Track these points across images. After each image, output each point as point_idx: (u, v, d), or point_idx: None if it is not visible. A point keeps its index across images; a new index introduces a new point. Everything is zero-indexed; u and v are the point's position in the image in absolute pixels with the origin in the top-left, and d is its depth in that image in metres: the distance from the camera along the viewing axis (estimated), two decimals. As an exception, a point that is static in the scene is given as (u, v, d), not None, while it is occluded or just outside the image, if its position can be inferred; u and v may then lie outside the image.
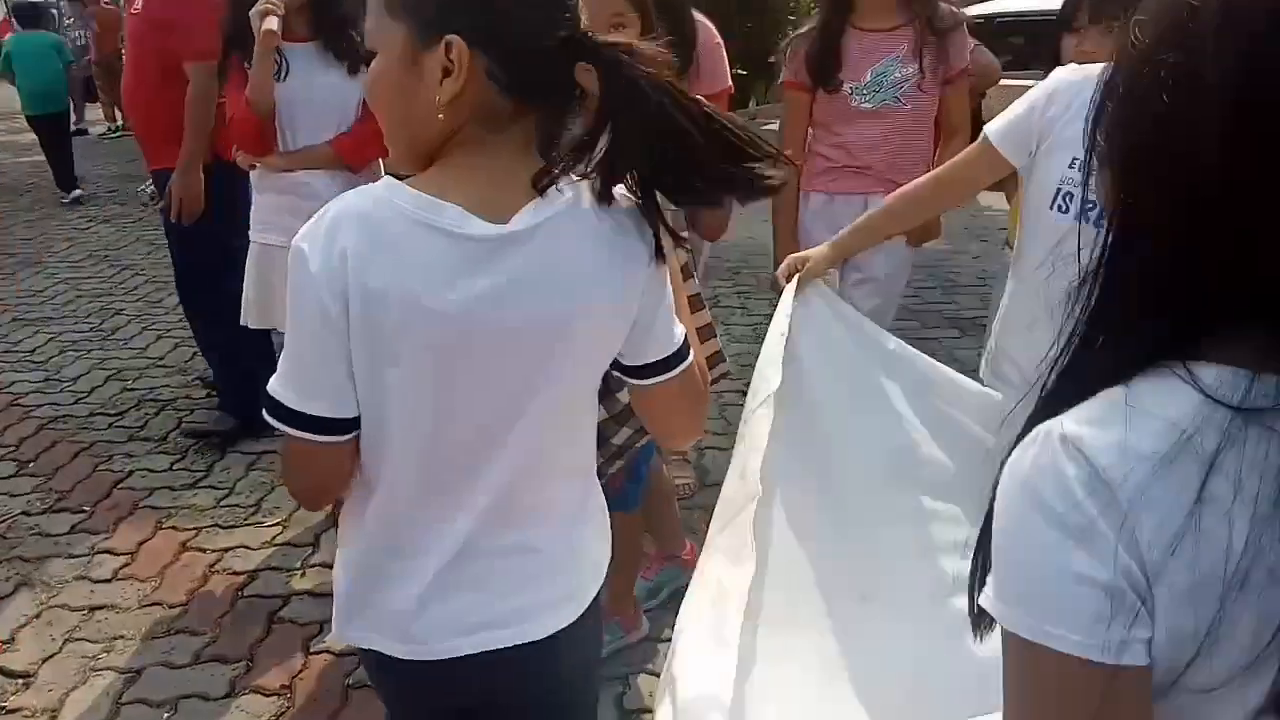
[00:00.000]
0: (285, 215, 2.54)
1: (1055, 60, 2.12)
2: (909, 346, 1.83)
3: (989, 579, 0.63)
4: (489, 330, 0.95)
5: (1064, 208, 1.61)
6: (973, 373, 2.34)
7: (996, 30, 6.01)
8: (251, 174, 2.67)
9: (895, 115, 2.45)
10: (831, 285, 1.82)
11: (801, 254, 1.86)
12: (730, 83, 2.57)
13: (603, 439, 1.77)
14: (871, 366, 1.77)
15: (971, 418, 1.73)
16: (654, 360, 1.08)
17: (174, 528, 2.91)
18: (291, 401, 0.95)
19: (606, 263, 0.99)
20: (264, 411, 0.97)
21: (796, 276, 1.80)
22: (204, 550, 2.79)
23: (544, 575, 1.09)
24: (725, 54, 2.55)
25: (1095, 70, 1.67)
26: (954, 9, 2.45)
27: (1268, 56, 0.53)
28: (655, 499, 2.34)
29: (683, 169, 0.96)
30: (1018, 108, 1.69)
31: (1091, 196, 1.54)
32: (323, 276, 0.90)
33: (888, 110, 2.45)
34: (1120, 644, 0.58)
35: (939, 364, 1.82)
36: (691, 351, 1.11)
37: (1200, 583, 0.57)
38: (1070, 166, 1.60)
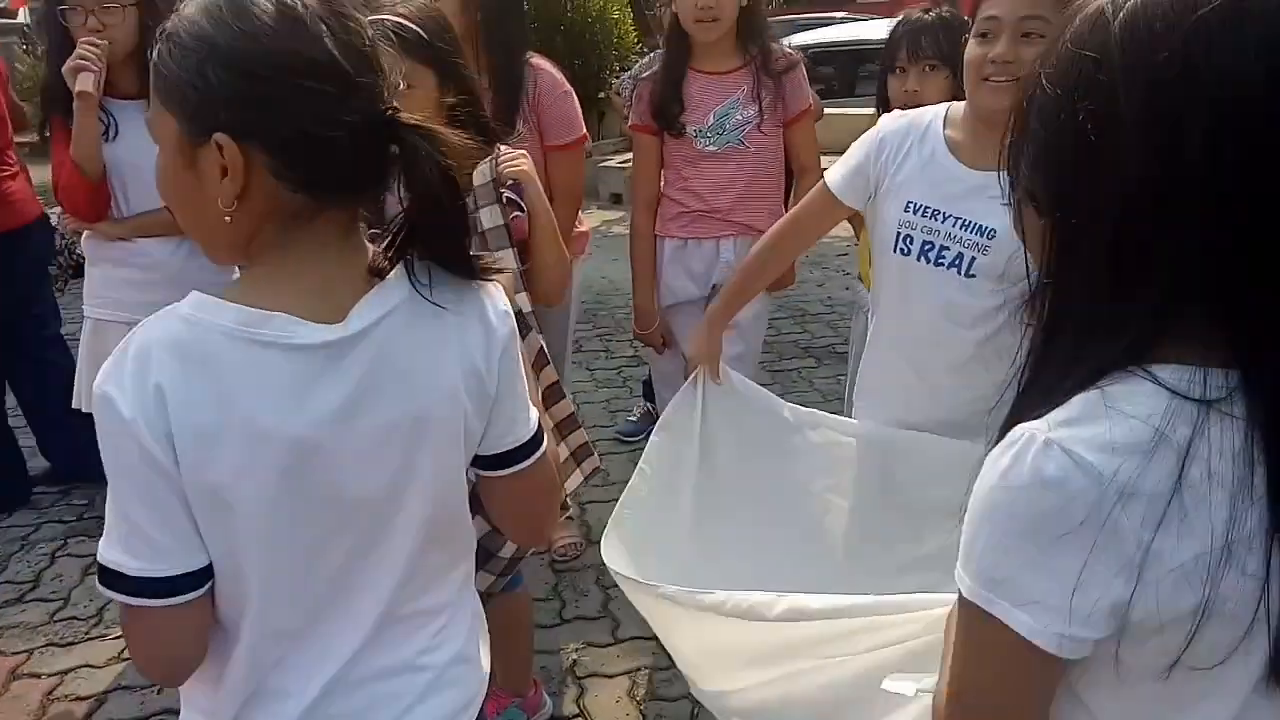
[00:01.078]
0: (122, 288, 2.38)
1: (883, 98, 2.20)
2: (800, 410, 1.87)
3: (961, 559, 0.70)
4: (344, 445, 0.87)
5: (906, 250, 1.68)
6: (834, 401, 2.37)
7: (810, 61, 6.28)
8: (84, 243, 2.49)
9: (740, 157, 2.49)
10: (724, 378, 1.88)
11: (698, 351, 1.87)
12: (583, 131, 2.54)
13: (488, 554, 1.68)
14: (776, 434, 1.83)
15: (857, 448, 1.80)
16: (508, 449, 1.02)
17: (0, 652, 2.61)
18: (131, 568, 0.82)
19: (456, 351, 0.93)
20: (99, 584, 0.85)
21: (700, 371, 1.84)
22: (39, 675, 2.50)
23: (432, 693, 1.00)
24: (574, 100, 2.51)
25: (915, 115, 1.78)
26: (788, 51, 2.51)
27: (1166, 87, 0.63)
28: (512, 627, 2.02)
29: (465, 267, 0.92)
30: (853, 156, 1.76)
31: (930, 237, 1.63)
32: (139, 422, 0.79)
33: (732, 152, 2.49)
34: (1075, 641, 0.66)
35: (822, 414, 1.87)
36: (546, 439, 1.05)
37: (1190, 562, 0.63)
38: (905, 210, 1.67)
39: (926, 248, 1.65)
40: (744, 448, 1.80)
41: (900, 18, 2.26)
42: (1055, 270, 0.71)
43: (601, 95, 9.33)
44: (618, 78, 8.94)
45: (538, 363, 1.70)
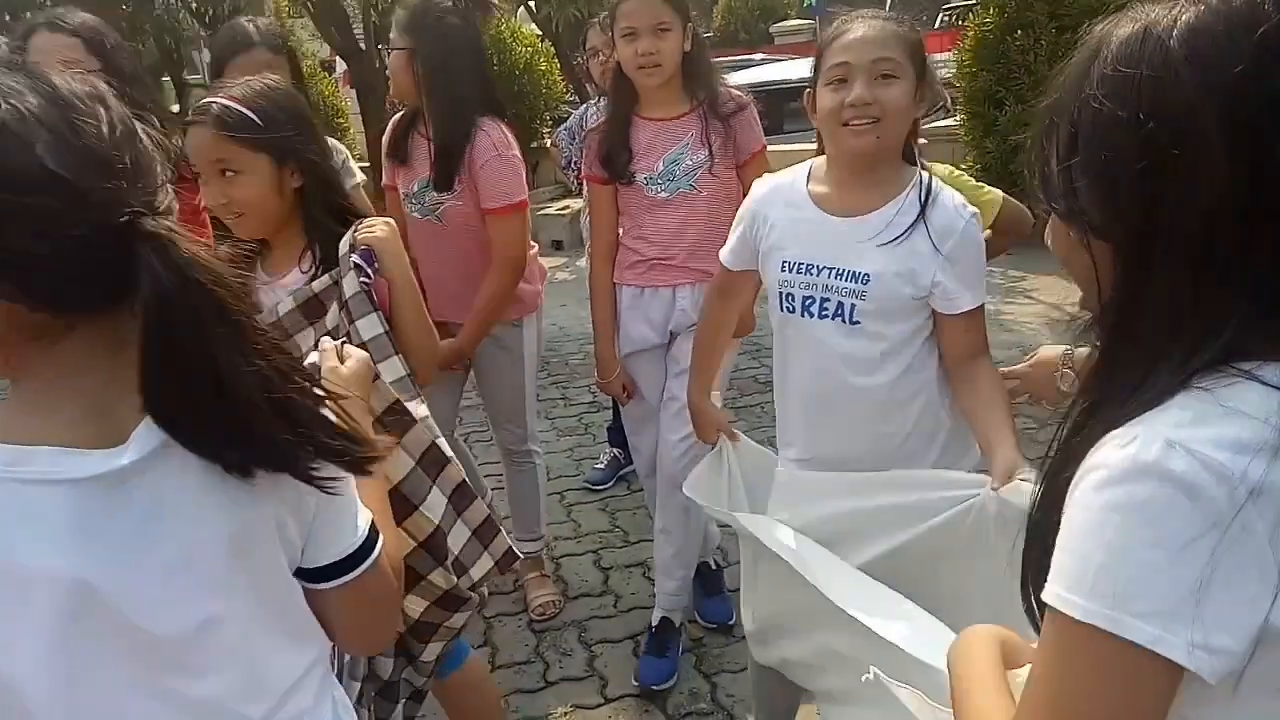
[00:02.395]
0: None
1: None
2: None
3: (1055, 577, 0.67)
4: (132, 582, 0.79)
5: (790, 308, 1.73)
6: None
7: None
8: None
9: (692, 203, 2.49)
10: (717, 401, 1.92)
11: (707, 429, 1.98)
12: (520, 198, 2.54)
13: (410, 655, 1.62)
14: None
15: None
16: (330, 562, 0.94)
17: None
18: None
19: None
20: None
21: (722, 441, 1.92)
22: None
23: None
24: (514, 166, 2.52)
25: (779, 177, 1.93)
26: (736, 92, 2.52)
27: (1244, 100, 0.65)
28: (473, 706, 1.90)
29: (221, 421, 0.79)
30: (736, 226, 1.87)
31: (809, 292, 1.68)
32: None
33: (684, 198, 2.49)
34: (1208, 651, 0.62)
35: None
36: (380, 545, 0.99)
37: None
38: (781, 270, 1.73)
39: (808, 302, 1.70)
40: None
41: None
42: (1127, 287, 0.71)
43: (534, 145, 9.39)
44: (549, 127, 9.02)
45: (404, 426, 1.46)
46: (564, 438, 4.07)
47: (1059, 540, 0.68)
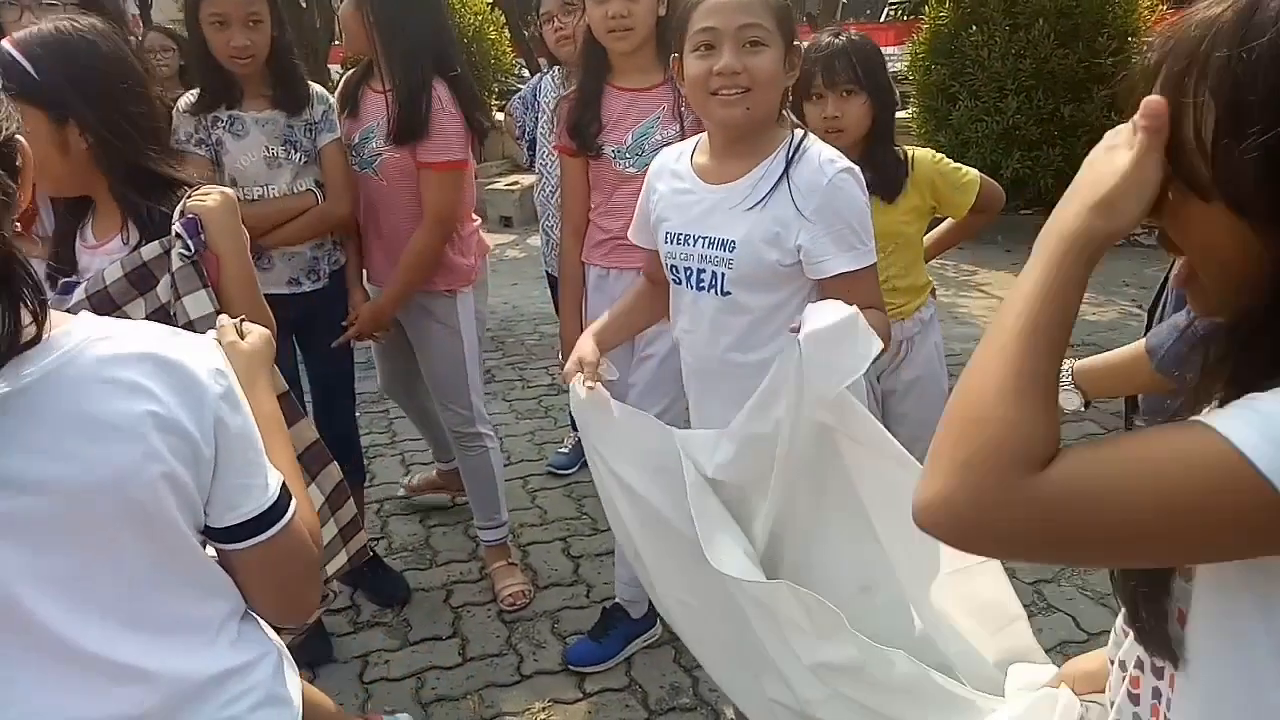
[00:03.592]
0: None
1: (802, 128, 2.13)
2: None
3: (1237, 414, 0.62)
4: (18, 524, 0.81)
5: (678, 279, 1.69)
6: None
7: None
8: None
9: (662, 179, 2.39)
10: (605, 375, 1.70)
11: (577, 357, 1.71)
12: (457, 156, 2.45)
13: None
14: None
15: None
16: (238, 522, 0.95)
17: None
18: None
19: (141, 411, 0.86)
20: None
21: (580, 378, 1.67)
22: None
23: None
24: (455, 123, 2.42)
25: (670, 149, 1.76)
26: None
27: None
28: None
29: None
30: (640, 204, 1.79)
31: (689, 263, 1.62)
32: None
33: (653, 174, 2.39)
34: None
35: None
36: (294, 506, 0.99)
37: None
38: (665, 242, 1.68)
39: (688, 274, 1.65)
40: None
41: (808, 44, 2.20)
42: None
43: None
44: (498, 98, 8.79)
45: (290, 418, 1.42)
46: (523, 420, 3.97)
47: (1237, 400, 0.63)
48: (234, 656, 0.97)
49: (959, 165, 2.21)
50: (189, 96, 2.31)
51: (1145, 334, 1.47)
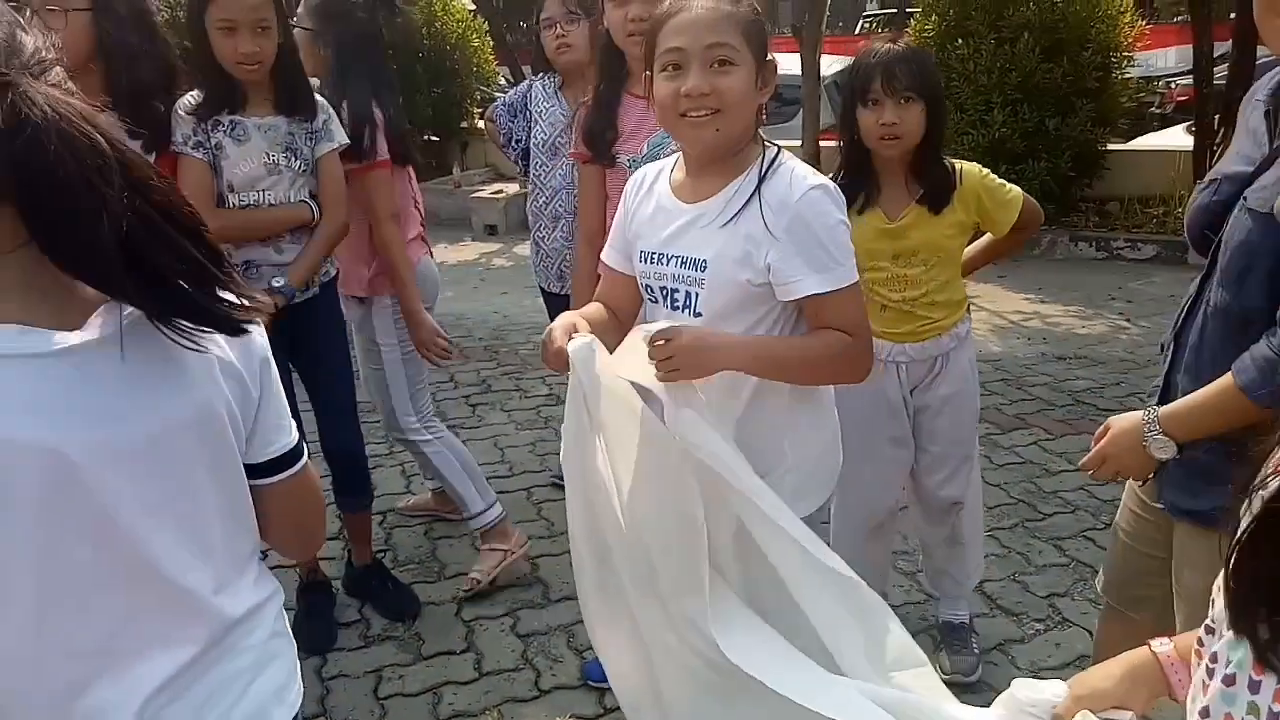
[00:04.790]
0: None
1: (853, 133, 2.09)
2: None
3: None
4: (108, 456, 0.85)
5: (654, 299, 1.64)
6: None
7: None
8: None
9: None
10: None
11: (571, 320, 1.59)
12: (384, 155, 2.53)
13: None
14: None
15: None
16: (272, 457, 1.03)
17: None
18: None
19: (211, 356, 0.93)
20: None
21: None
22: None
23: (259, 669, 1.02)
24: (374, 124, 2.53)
25: (650, 166, 1.69)
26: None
27: None
28: None
29: (118, 257, 0.81)
30: (616, 222, 1.73)
31: (663, 282, 1.58)
32: None
33: (668, 184, 2.36)
34: None
35: None
36: (306, 451, 1.09)
37: None
38: (640, 262, 1.63)
39: (663, 293, 1.61)
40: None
41: (867, 48, 2.17)
42: None
43: (464, 125, 9.08)
44: (480, 106, 8.73)
45: None
46: (523, 430, 3.92)
47: None
48: (256, 594, 1.03)
49: (1003, 182, 2.17)
50: (190, 98, 2.26)
51: (1167, 352, 1.47)
